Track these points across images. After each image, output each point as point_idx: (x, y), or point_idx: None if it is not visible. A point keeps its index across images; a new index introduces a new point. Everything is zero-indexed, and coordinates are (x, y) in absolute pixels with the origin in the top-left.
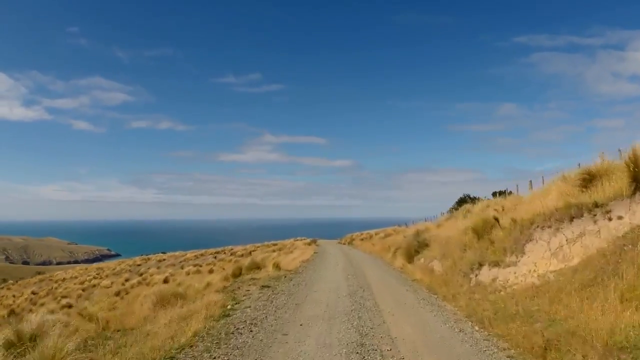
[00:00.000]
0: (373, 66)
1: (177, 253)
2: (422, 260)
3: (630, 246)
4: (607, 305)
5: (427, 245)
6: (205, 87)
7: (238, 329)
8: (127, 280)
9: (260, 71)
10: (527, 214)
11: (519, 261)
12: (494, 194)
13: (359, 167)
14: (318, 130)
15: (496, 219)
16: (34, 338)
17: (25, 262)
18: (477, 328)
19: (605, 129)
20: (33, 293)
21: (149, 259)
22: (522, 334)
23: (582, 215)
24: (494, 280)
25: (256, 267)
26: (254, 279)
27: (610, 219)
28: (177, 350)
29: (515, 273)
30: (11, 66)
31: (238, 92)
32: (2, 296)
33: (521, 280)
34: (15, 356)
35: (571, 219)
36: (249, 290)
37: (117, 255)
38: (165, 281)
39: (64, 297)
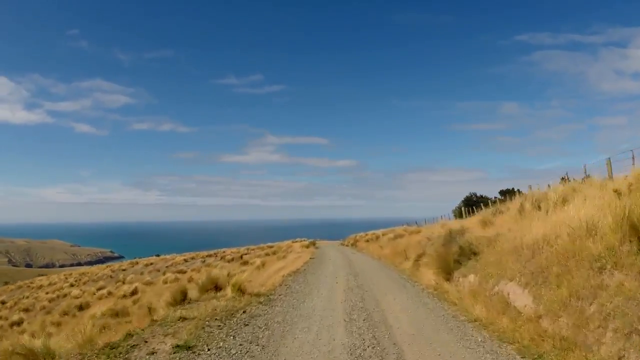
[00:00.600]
0: (374, 66)
1: (168, 256)
2: (470, 278)
3: None
4: None
5: (474, 253)
6: (207, 88)
7: None
8: (99, 289)
9: (261, 72)
10: None
11: None
12: (501, 193)
13: (361, 167)
14: (320, 131)
15: None
16: None
17: (28, 265)
18: None
19: (607, 127)
20: (2, 302)
21: (137, 262)
22: None
23: None
24: None
25: (213, 286)
26: (183, 318)
27: None
28: None
29: None
30: (12, 69)
31: (239, 93)
32: None
33: None
34: None
35: None
36: None
37: (120, 257)
38: (134, 293)
39: (25, 310)
